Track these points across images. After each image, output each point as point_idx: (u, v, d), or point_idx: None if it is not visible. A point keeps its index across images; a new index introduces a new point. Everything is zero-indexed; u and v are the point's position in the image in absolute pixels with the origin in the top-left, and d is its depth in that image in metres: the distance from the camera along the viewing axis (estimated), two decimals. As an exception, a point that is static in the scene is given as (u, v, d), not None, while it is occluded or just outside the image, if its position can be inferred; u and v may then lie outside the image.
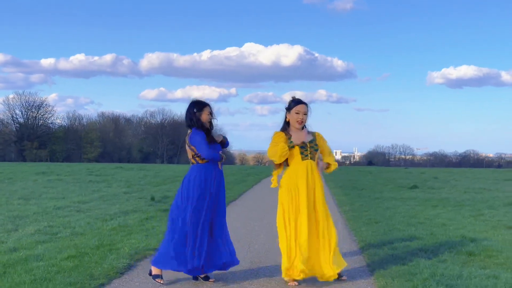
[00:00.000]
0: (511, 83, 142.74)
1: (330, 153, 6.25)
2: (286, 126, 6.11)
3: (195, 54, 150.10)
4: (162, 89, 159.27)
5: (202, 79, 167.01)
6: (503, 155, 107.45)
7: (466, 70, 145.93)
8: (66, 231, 9.07)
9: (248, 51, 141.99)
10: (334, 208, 13.60)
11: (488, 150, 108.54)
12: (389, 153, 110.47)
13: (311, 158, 6.01)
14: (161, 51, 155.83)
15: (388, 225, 10.26)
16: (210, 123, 6.16)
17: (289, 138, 5.99)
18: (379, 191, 19.07)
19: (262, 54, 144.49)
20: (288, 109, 6.07)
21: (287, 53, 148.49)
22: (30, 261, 6.64)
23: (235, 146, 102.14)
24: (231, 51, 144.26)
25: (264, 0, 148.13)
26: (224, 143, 6.22)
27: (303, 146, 5.99)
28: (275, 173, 6.22)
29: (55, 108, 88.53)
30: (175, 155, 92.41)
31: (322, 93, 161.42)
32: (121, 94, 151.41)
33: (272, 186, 6.29)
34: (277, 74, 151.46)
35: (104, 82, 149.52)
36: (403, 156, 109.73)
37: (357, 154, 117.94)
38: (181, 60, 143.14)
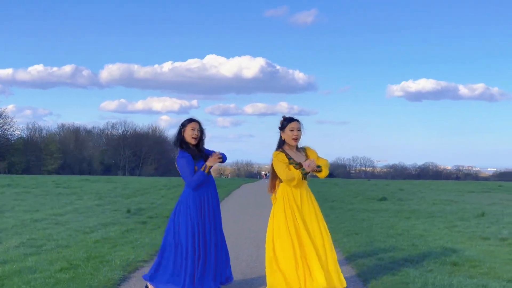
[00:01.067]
0: (468, 97, 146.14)
1: (321, 159, 6.17)
2: (281, 144, 6.12)
3: (156, 65, 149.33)
4: (122, 100, 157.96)
5: (163, 91, 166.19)
6: (460, 167, 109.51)
7: (425, 84, 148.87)
8: (50, 243, 9.02)
9: (210, 63, 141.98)
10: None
11: (446, 163, 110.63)
12: (349, 165, 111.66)
13: (304, 179, 5.98)
14: (121, 62, 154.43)
15: (368, 236, 10.46)
16: (197, 139, 6.13)
17: (290, 159, 6.04)
18: (350, 203, 19.32)
19: (224, 66, 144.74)
20: (282, 128, 6.07)
21: (249, 65, 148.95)
22: (25, 273, 6.63)
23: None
24: (193, 63, 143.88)
25: (226, 12, 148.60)
26: (221, 160, 6.15)
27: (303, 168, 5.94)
28: (273, 196, 6.18)
29: (14, 119, 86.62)
30: (137, 167, 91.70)
31: (283, 105, 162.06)
32: (81, 105, 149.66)
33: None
34: (239, 86, 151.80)
35: (63, 93, 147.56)
36: (363, 168, 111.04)
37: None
38: (142, 71, 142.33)
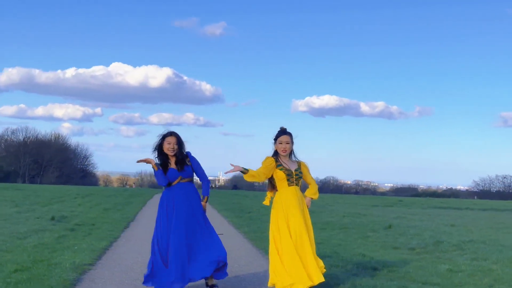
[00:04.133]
0: (369, 114, 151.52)
1: (312, 182, 7.03)
2: (276, 153, 6.84)
3: (59, 71, 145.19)
4: (22, 105, 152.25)
5: (66, 97, 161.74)
6: (360, 182, 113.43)
7: (328, 100, 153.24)
8: (-10, 248, 9.21)
9: (115, 71, 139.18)
10: (232, 230, 14.45)
11: (346, 177, 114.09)
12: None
13: (296, 185, 6.79)
14: (21, 66, 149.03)
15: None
16: (174, 151, 6.72)
17: (279, 165, 6.75)
18: (266, 214, 20.10)
19: (130, 74, 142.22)
20: (275, 139, 6.83)
21: (156, 75, 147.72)
22: (-19, 275, 6.90)
23: (99, 167, 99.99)
24: (97, 70, 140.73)
25: (133, 20, 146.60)
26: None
27: (289, 174, 6.73)
28: (269, 194, 7.00)
29: None
30: (37, 174, 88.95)
31: (189, 116, 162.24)
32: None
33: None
34: (145, 95, 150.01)
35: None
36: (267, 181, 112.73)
37: (222, 178, 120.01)
38: (43, 76, 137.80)
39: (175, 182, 6.70)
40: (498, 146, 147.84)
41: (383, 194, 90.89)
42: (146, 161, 6.73)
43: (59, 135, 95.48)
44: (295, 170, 6.79)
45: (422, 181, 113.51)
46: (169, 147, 6.69)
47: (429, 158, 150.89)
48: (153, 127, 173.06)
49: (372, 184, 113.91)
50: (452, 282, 7.83)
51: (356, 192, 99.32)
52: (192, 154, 6.87)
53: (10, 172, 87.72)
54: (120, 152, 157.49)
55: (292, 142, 6.84)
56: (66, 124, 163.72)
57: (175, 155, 6.73)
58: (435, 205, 33.78)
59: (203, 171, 6.91)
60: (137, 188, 71.25)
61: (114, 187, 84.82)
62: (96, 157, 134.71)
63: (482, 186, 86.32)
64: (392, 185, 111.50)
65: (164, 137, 6.76)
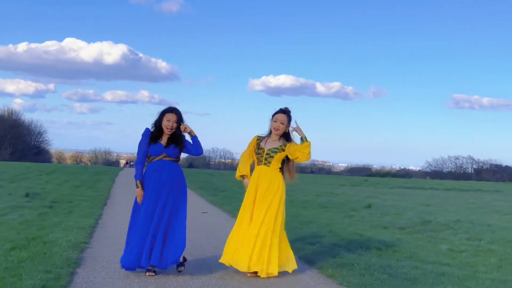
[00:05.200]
0: (324, 94, 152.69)
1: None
2: (270, 132, 6.57)
3: (10, 45, 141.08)
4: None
5: (18, 72, 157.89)
6: (315, 162, 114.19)
7: (284, 79, 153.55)
8: (-26, 225, 8.71)
9: (69, 46, 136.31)
10: (214, 208, 14.16)
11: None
12: (209, 156, 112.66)
13: (264, 164, 6.45)
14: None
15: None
16: (172, 130, 6.29)
17: (259, 143, 6.49)
18: (240, 193, 19.85)
19: (84, 50, 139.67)
20: (272, 117, 6.52)
21: (110, 51, 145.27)
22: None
23: (53, 145, 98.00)
24: (50, 45, 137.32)
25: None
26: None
27: (259, 153, 6.48)
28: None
29: None
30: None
31: (144, 93, 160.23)
32: None
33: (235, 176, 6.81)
34: (99, 72, 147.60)
35: None
36: (223, 160, 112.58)
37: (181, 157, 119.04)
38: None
39: (157, 158, 6.28)
40: (450, 127, 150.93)
41: (338, 173, 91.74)
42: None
43: (12, 111, 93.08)
44: (269, 150, 6.48)
45: (376, 161, 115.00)
46: (168, 124, 6.26)
47: (383, 139, 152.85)
48: (108, 104, 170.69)
49: (326, 164, 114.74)
50: (461, 262, 7.73)
51: (312, 172, 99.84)
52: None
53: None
54: (74, 129, 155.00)
55: (289, 124, 6.53)
56: (18, 100, 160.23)
57: (171, 134, 6.33)
58: (400, 185, 34.07)
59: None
60: (92, 166, 70.08)
61: (68, 164, 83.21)
62: (49, 134, 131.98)
63: (435, 167, 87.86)
64: (346, 165, 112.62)
65: (164, 112, 6.32)
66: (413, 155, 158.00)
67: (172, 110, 6.32)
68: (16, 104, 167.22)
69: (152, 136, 6.30)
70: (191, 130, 6.35)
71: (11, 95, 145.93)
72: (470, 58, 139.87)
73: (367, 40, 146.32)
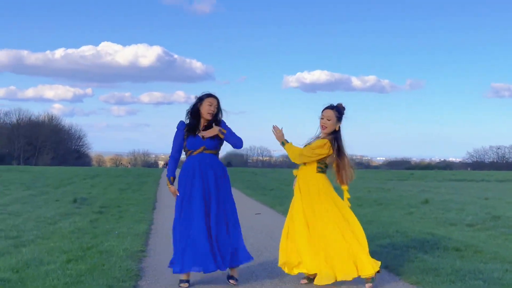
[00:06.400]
0: (360, 88, 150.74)
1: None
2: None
3: (48, 52, 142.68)
4: (12, 87, 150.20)
5: (56, 78, 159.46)
6: (353, 157, 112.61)
7: (319, 75, 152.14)
8: (26, 234, 8.33)
9: (105, 50, 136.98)
10: (267, 209, 13.62)
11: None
12: (247, 154, 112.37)
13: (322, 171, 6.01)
14: (10, 47, 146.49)
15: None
16: (213, 115, 5.81)
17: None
18: (288, 191, 19.29)
19: (120, 53, 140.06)
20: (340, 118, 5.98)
21: (146, 54, 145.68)
22: (36, 266, 6.00)
23: (93, 148, 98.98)
24: (87, 50, 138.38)
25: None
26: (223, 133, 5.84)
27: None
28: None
29: None
30: (32, 156, 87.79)
31: (180, 94, 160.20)
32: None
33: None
34: (135, 74, 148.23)
35: None
36: (260, 158, 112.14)
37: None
38: (33, 57, 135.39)
39: (196, 152, 5.76)
40: (490, 117, 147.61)
41: (377, 167, 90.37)
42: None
43: (52, 116, 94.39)
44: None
45: (414, 154, 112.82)
46: (210, 109, 5.76)
47: (421, 131, 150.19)
48: (144, 106, 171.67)
49: (365, 158, 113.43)
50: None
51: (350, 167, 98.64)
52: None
53: (4, 154, 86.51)
54: (112, 131, 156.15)
55: (338, 120, 5.93)
56: (57, 105, 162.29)
57: (212, 120, 5.83)
58: (448, 177, 33.03)
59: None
60: (133, 168, 70.33)
61: (109, 166, 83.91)
62: (88, 137, 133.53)
63: (476, 157, 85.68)
64: (384, 158, 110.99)
65: (203, 97, 5.82)
66: (453, 146, 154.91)
67: (212, 95, 5.85)
68: (56, 109, 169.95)
69: (188, 128, 5.80)
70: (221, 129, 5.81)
71: (50, 101, 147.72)
72: (508, 45, 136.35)
73: (401, 31, 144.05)
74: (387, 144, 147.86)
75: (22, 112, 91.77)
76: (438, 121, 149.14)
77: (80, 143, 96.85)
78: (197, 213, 5.58)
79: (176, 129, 5.87)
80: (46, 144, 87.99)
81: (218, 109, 5.85)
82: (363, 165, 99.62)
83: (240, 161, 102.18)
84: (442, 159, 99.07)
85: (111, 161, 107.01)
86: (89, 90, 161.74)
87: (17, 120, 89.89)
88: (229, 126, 5.94)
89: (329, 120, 5.89)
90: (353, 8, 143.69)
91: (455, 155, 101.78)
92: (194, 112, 5.82)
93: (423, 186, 23.89)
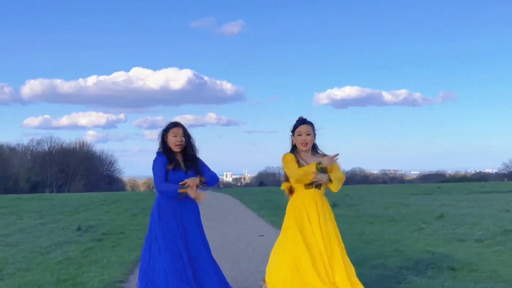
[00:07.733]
0: (392, 102, 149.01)
1: (339, 171, 5.49)
2: (293, 149, 5.52)
3: (80, 79, 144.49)
4: (46, 116, 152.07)
5: (89, 105, 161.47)
6: (386, 172, 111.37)
7: (349, 91, 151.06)
8: (9, 267, 8.15)
9: (136, 76, 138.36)
10: (274, 231, 13.28)
11: (373, 167, 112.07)
12: (279, 173, 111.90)
13: (316, 187, 5.37)
14: (43, 77, 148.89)
15: (345, 244, 9.99)
16: (182, 146, 5.47)
17: (298, 161, 5.40)
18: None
19: (150, 78, 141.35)
20: (293, 131, 5.50)
21: (176, 77, 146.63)
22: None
23: (126, 172, 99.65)
24: (118, 76, 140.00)
25: (151, 24, 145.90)
26: (203, 183, 5.43)
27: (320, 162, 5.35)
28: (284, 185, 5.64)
29: None
30: (65, 183, 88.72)
31: (212, 116, 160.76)
32: (3, 123, 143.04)
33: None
34: (166, 98, 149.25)
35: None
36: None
37: (248, 175, 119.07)
38: (66, 86, 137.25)
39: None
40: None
41: (411, 181, 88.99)
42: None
43: (83, 143, 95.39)
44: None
45: (449, 167, 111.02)
46: (176, 140, 5.41)
47: (455, 143, 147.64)
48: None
49: (398, 172, 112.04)
50: (553, 281, 6.56)
51: (384, 182, 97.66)
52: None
53: (37, 182, 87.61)
54: (145, 156, 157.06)
55: (314, 134, 5.47)
56: (91, 132, 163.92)
57: (183, 151, 5.48)
58: (476, 189, 32.15)
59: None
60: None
61: (141, 191, 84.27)
62: (122, 162, 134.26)
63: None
64: (418, 172, 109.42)
65: (167, 129, 5.48)
66: (489, 158, 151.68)
67: (175, 124, 5.51)
68: (90, 136, 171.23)
69: (168, 159, 5.39)
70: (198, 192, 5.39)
71: (84, 128, 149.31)
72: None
73: (432, 43, 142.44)
74: (421, 157, 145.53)
75: (53, 140, 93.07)
76: (473, 132, 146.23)
77: (112, 168, 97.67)
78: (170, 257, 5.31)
79: (154, 160, 5.44)
80: (78, 171, 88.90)
81: (186, 136, 5.53)
82: (397, 180, 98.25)
83: (271, 181, 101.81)
84: (478, 171, 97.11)
85: (144, 185, 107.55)
86: (122, 116, 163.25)
87: (49, 148, 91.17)
88: (203, 161, 5.65)
89: (309, 135, 5.43)
90: (381, 23, 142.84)
91: (492, 166, 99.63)
92: (165, 147, 5.48)
93: (446, 200, 23.21)
